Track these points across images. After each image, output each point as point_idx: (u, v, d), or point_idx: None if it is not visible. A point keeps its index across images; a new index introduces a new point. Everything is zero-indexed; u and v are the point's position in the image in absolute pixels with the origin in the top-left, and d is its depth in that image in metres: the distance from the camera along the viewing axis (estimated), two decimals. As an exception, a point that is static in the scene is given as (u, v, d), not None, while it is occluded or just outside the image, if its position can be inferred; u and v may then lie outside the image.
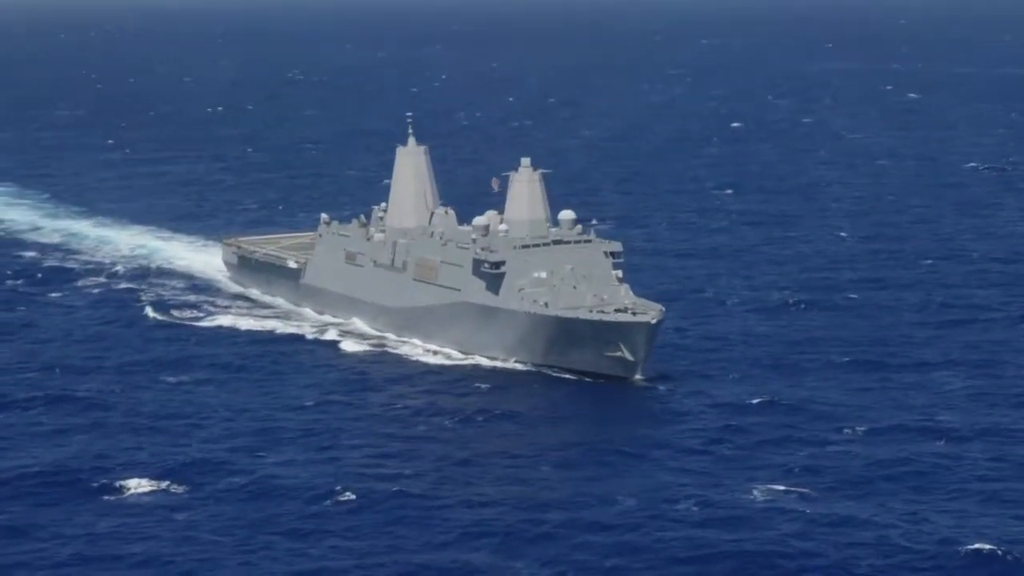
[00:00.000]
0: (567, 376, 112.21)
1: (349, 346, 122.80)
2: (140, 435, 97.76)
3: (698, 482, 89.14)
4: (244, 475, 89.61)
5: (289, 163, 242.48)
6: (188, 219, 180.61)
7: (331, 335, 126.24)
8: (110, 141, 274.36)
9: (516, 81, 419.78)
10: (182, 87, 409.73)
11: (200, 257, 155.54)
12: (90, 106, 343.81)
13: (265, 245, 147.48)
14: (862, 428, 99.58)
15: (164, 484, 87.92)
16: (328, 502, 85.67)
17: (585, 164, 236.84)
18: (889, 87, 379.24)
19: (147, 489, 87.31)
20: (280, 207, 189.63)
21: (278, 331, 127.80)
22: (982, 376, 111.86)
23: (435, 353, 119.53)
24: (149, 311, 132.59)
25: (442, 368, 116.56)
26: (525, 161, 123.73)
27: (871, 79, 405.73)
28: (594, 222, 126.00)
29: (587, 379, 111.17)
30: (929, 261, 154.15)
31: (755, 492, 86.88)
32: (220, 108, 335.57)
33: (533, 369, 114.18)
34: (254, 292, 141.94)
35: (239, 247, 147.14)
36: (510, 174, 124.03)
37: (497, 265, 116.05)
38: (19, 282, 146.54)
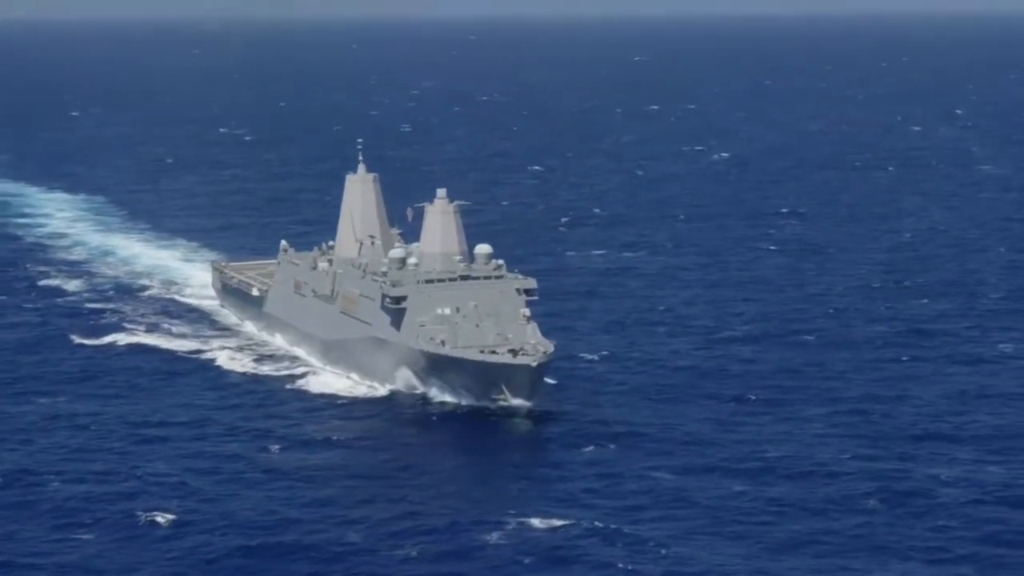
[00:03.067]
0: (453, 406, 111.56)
1: (248, 369, 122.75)
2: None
3: (454, 514, 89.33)
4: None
5: (396, 184, 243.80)
6: (241, 238, 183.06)
7: (241, 359, 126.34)
8: (240, 159, 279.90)
9: (690, 103, 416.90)
10: (370, 104, 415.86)
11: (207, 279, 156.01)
12: (256, 124, 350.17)
13: (248, 271, 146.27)
14: (681, 464, 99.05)
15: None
16: (64, 521, 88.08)
17: (682, 190, 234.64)
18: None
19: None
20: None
21: (192, 352, 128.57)
22: (856, 415, 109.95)
23: (341, 380, 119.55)
24: (76, 334, 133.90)
25: (328, 396, 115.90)
26: (441, 192, 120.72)
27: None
28: (500, 261, 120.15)
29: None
30: (925, 300, 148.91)
31: (498, 531, 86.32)
32: (365, 132, 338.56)
33: (432, 401, 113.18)
34: (230, 316, 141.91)
35: (222, 272, 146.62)
36: (424, 205, 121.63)
37: (397, 300, 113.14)
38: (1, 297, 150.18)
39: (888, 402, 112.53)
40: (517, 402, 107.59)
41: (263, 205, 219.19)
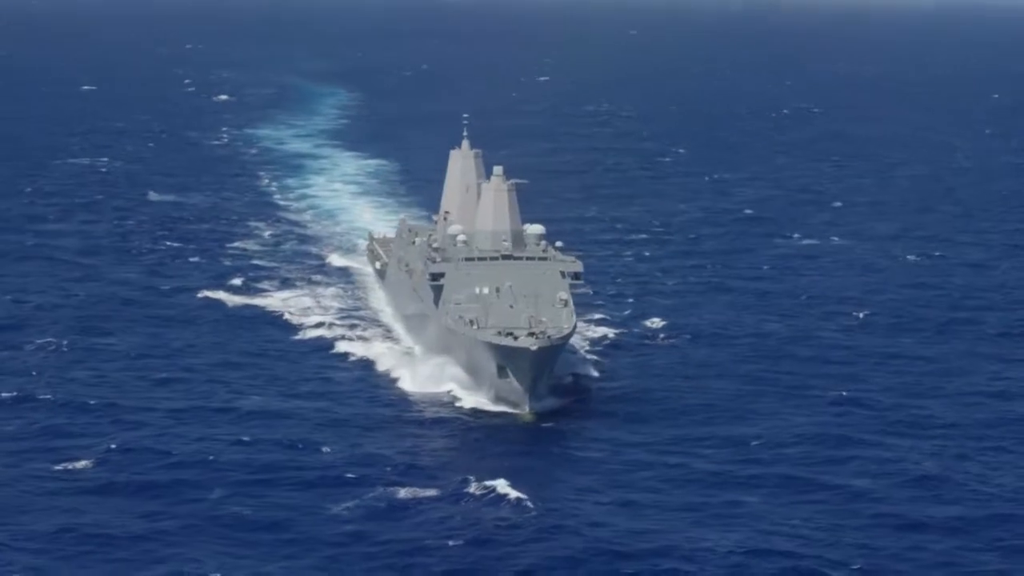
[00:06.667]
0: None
1: (314, 329, 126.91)
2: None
3: (341, 472, 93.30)
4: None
5: (689, 160, 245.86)
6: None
7: (319, 320, 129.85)
8: (589, 135, 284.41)
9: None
10: (763, 88, 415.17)
11: None
12: (635, 104, 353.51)
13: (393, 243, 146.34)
14: (634, 440, 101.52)
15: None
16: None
17: (966, 183, 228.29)
18: None
19: None
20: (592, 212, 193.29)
21: (281, 310, 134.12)
22: (860, 406, 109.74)
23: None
24: (204, 286, 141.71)
25: (358, 358, 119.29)
26: (497, 170, 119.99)
27: None
28: (559, 244, 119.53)
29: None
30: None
31: (354, 499, 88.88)
32: (735, 114, 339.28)
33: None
34: (369, 284, 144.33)
35: (371, 242, 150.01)
36: (481, 183, 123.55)
37: (436, 277, 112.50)
38: (176, 245, 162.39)
39: (913, 395, 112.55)
40: (519, 392, 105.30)
41: (544, 178, 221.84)
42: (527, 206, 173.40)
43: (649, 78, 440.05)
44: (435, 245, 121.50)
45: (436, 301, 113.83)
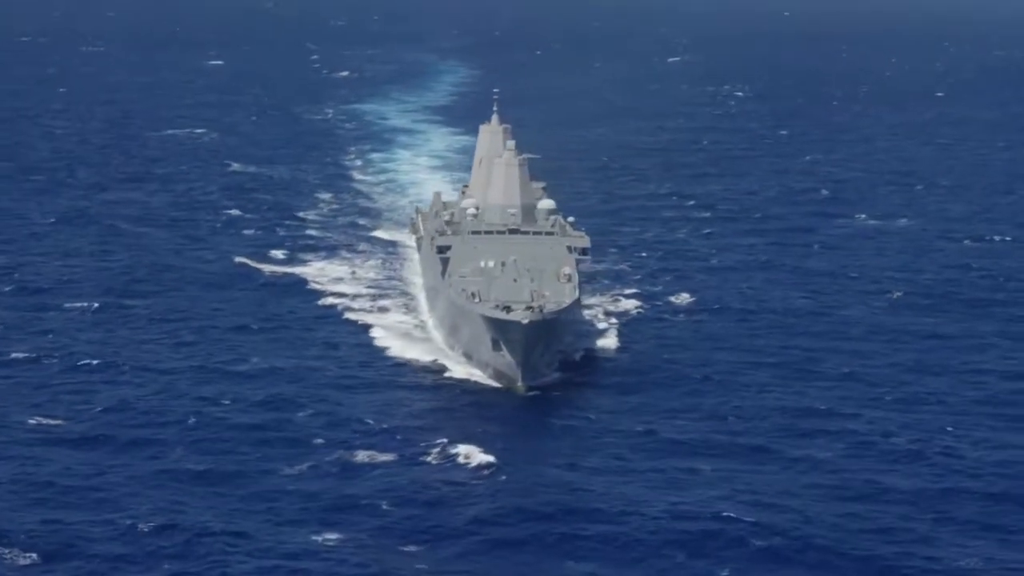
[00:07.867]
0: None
1: (335, 297, 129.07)
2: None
3: (305, 435, 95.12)
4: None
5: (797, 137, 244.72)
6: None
7: (344, 289, 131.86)
8: (695, 111, 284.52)
9: None
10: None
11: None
12: (755, 84, 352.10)
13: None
14: (611, 405, 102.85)
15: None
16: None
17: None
18: None
19: None
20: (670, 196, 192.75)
21: (312, 278, 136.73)
22: (856, 380, 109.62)
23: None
24: (242, 254, 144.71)
25: (365, 324, 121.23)
26: (510, 144, 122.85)
27: None
28: (570, 219, 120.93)
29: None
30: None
31: (301, 464, 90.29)
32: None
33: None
34: (409, 257, 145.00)
35: (416, 217, 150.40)
36: (494, 157, 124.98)
37: (442, 250, 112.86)
38: (236, 214, 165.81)
39: (915, 372, 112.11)
40: (512, 365, 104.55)
41: (626, 155, 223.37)
42: (589, 183, 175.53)
43: (786, 60, 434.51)
44: (446, 219, 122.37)
45: (443, 273, 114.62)
